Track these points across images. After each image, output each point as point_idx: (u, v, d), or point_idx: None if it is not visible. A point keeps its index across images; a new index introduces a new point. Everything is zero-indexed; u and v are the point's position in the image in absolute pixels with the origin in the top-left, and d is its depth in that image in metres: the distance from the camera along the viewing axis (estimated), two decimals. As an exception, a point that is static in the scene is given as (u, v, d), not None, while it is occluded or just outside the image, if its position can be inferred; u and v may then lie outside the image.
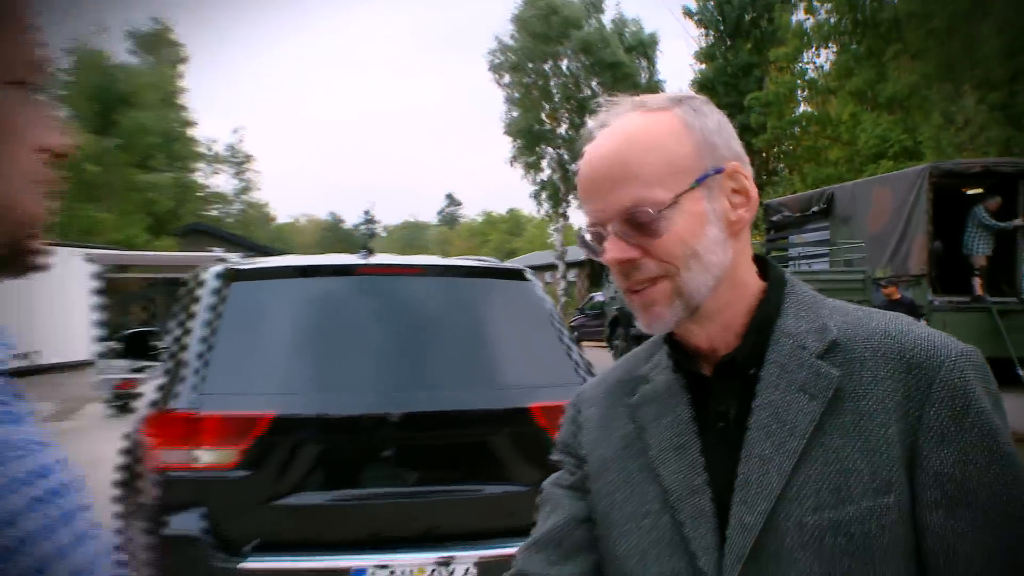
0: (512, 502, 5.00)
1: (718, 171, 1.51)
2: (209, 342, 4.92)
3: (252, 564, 4.69)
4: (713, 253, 1.50)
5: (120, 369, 18.66)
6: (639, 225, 1.47)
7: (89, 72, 56.62)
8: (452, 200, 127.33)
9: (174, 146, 63.61)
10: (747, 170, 1.54)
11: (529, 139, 57.95)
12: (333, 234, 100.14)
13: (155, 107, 61.30)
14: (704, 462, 1.52)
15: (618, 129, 1.52)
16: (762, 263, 1.61)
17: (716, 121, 1.54)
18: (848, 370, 1.44)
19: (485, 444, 5.11)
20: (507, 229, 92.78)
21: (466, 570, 4.82)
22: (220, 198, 75.34)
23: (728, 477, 1.48)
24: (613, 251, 1.50)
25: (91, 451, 14.61)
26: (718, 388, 1.55)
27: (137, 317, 22.38)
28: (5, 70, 1.13)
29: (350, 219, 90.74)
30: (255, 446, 4.73)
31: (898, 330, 1.47)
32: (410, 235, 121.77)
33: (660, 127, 1.50)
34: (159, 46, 65.85)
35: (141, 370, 18.21)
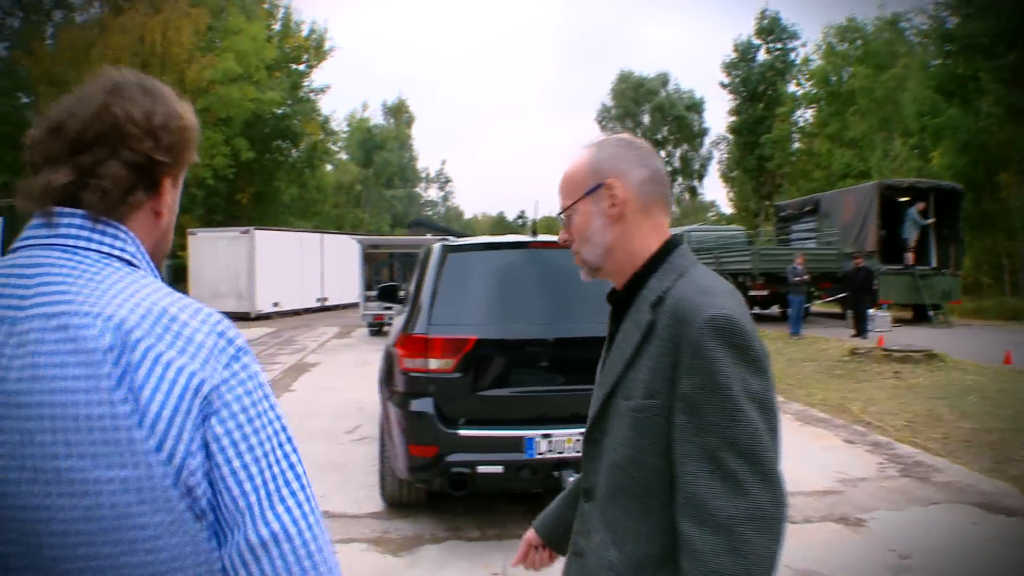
0: None
1: (599, 186, 1.51)
2: (435, 291, 4.86)
3: (464, 432, 4.66)
4: (599, 234, 1.52)
5: (375, 308, 18.92)
6: (564, 220, 1.58)
7: (357, 130, 57.68)
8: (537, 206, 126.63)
9: (405, 172, 64.69)
10: (622, 182, 1.51)
11: None
12: (500, 226, 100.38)
13: (395, 149, 62.37)
14: (603, 359, 1.56)
15: (571, 159, 1.59)
16: (669, 241, 1.53)
17: (609, 154, 1.54)
18: (658, 317, 1.40)
19: None
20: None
21: None
22: (431, 203, 76.13)
23: None
24: (560, 235, 1.61)
25: (361, 357, 14.82)
26: (612, 315, 1.56)
27: (384, 277, 22.63)
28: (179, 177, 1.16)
29: (510, 215, 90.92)
30: (465, 358, 4.68)
31: (683, 294, 1.39)
32: (548, 226, 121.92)
33: (579, 159, 1.56)
34: (399, 111, 66.77)
35: (388, 309, 18.54)
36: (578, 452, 4.63)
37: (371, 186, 58.74)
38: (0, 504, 0.93)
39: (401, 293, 7.75)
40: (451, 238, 5.88)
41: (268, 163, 39.38)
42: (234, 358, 1.02)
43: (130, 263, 1.08)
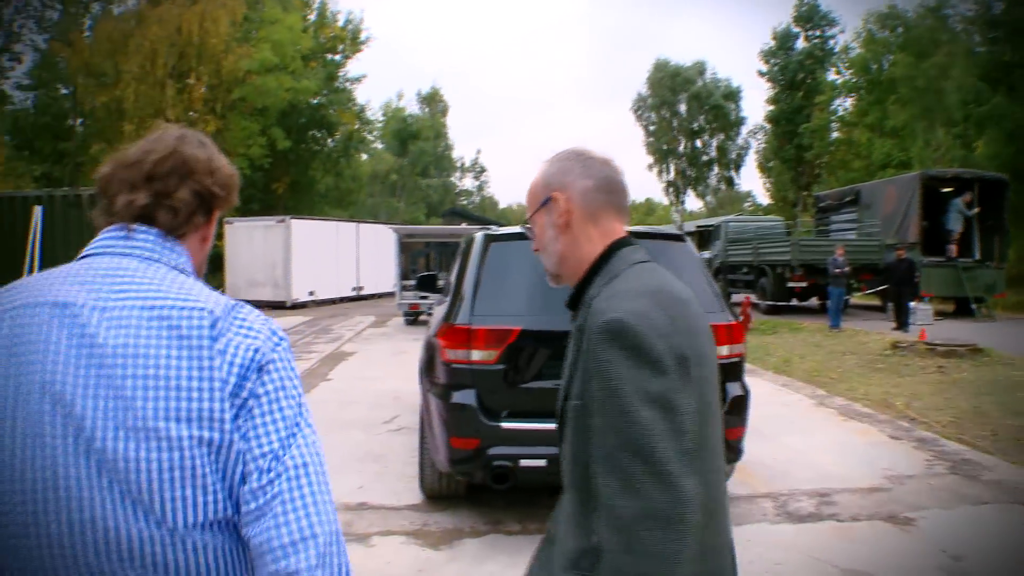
0: None
1: (548, 199, 1.62)
2: (478, 281, 4.81)
3: (506, 424, 4.61)
4: (552, 244, 1.63)
5: (410, 297, 18.95)
6: (527, 231, 1.71)
7: (392, 120, 57.86)
8: None
9: (440, 162, 64.77)
10: (566, 193, 1.61)
11: (660, 155, 58.48)
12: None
13: (430, 139, 62.44)
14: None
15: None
16: (611, 245, 1.60)
17: (557, 168, 1.65)
18: (584, 321, 1.48)
19: None
20: (643, 211, 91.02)
21: None
22: (466, 193, 76.18)
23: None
24: (533, 245, 1.71)
25: (397, 346, 14.84)
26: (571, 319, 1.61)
27: (420, 266, 22.65)
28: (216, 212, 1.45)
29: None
30: (508, 349, 4.63)
31: (598, 299, 1.48)
32: None
33: (538, 174, 1.67)
34: (433, 101, 66.80)
35: (424, 298, 18.56)
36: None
37: (406, 175, 58.91)
38: (101, 456, 1.16)
39: (440, 283, 7.71)
40: (493, 227, 5.81)
41: (304, 153, 39.67)
42: (278, 346, 1.31)
43: (183, 273, 1.36)
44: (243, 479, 1.23)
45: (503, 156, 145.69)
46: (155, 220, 1.36)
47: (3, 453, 1.18)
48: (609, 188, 1.63)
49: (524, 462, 4.54)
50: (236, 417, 1.23)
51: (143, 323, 1.22)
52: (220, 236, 27.35)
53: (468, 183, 76.27)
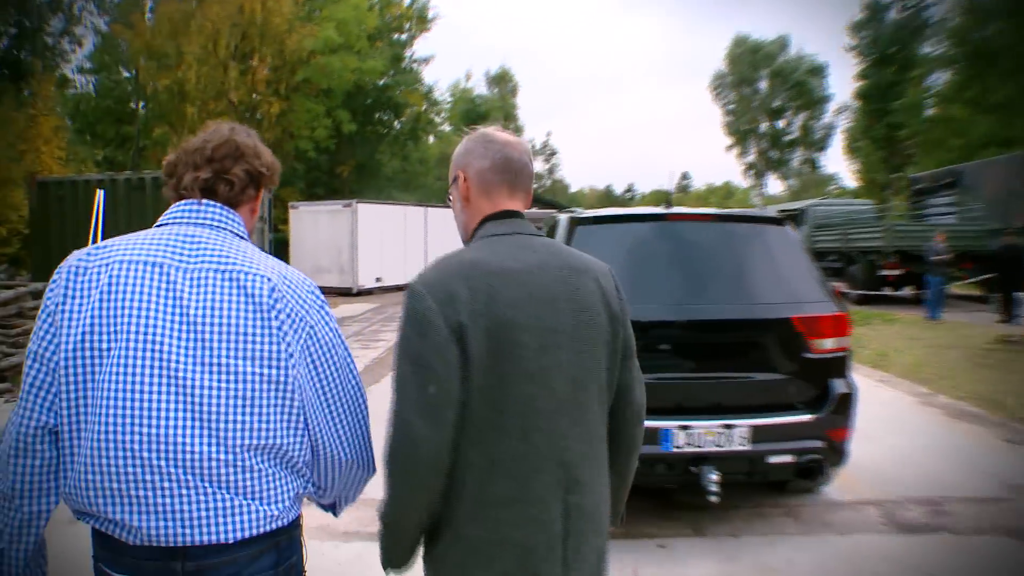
0: (774, 386, 4.57)
1: (455, 178, 1.95)
2: (562, 268, 4.65)
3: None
4: (459, 215, 1.96)
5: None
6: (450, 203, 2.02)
7: (461, 101, 58.01)
8: (685, 176, 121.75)
9: (509, 145, 64.81)
10: (466, 172, 1.92)
11: (740, 135, 57.30)
12: (606, 199, 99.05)
13: (499, 120, 62.29)
14: None
15: None
16: (482, 220, 1.90)
17: (464, 149, 1.95)
18: None
19: (755, 343, 4.62)
20: (721, 195, 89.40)
21: (742, 433, 4.44)
22: (537, 176, 75.89)
23: None
24: None
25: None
26: None
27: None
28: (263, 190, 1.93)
29: (618, 188, 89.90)
30: None
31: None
32: (657, 200, 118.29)
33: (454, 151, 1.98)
34: (502, 81, 66.84)
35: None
36: (719, 446, 4.39)
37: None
38: (181, 385, 1.62)
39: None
40: (578, 210, 5.66)
41: (370, 135, 40.03)
42: (323, 307, 1.80)
43: (242, 238, 1.84)
44: (300, 419, 1.72)
45: (574, 137, 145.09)
46: (216, 193, 1.83)
47: (97, 374, 1.62)
48: (504, 168, 1.91)
49: None
50: (295, 365, 1.70)
51: (218, 282, 1.69)
52: (285, 221, 27.79)
53: (538, 166, 76.26)
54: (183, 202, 1.82)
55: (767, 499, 5.41)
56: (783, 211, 28.04)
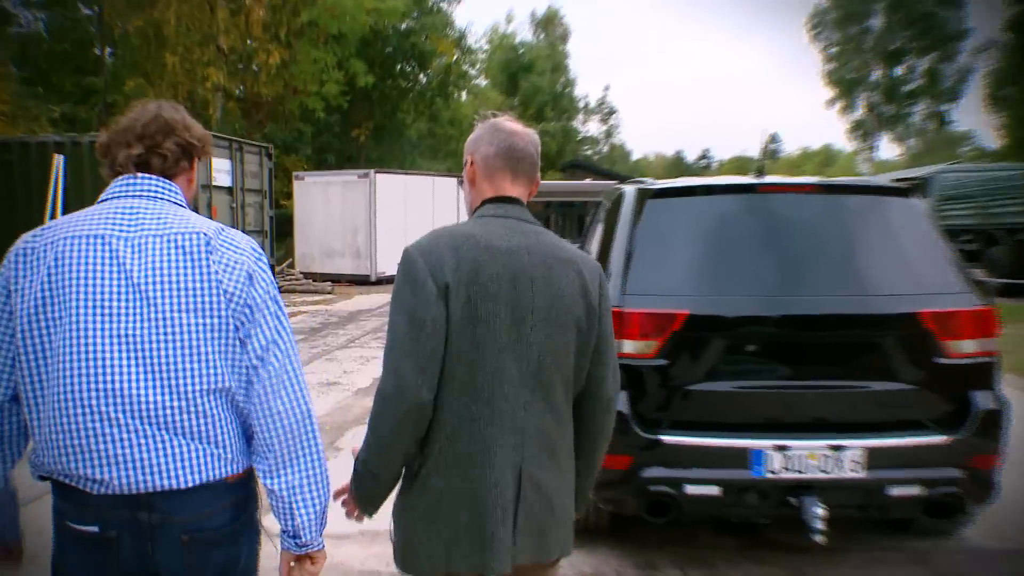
0: (898, 398, 4.47)
1: (466, 161, 2.60)
2: (630, 251, 4.68)
3: (668, 438, 4.46)
4: (467, 196, 2.63)
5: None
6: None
7: (500, 49, 58.06)
8: (773, 138, 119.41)
9: (560, 102, 64.67)
10: (474, 157, 2.56)
11: (844, 86, 56.31)
12: (675, 168, 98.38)
13: (547, 73, 62.43)
14: None
15: None
16: (483, 200, 2.55)
17: (476, 136, 2.59)
18: None
19: (871, 345, 4.52)
20: (819, 161, 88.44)
21: (854, 456, 4.35)
22: (591, 141, 75.94)
23: None
24: None
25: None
26: None
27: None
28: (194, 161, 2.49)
29: (690, 155, 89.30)
30: (671, 339, 4.47)
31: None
32: (738, 168, 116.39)
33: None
34: (550, 25, 66.79)
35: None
36: (825, 472, 4.32)
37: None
38: (131, 341, 2.14)
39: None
40: (648, 180, 5.59)
41: (390, 91, 40.19)
42: (260, 259, 2.32)
43: (180, 206, 2.37)
44: (243, 362, 2.25)
45: (636, 94, 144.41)
46: (150, 167, 2.36)
47: (52, 342, 2.14)
48: (507, 155, 2.53)
49: (691, 489, 4.40)
50: (236, 312, 2.22)
51: (157, 246, 2.21)
52: (288, 195, 28.02)
53: (593, 128, 76.13)
54: (120, 177, 2.36)
55: (887, 542, 5.32)
56: (900, 180, 27.51)
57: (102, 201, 2.31)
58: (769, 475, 4.36)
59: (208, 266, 2.20)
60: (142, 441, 2.13)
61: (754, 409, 4.50)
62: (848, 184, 5.00)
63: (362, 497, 2.49)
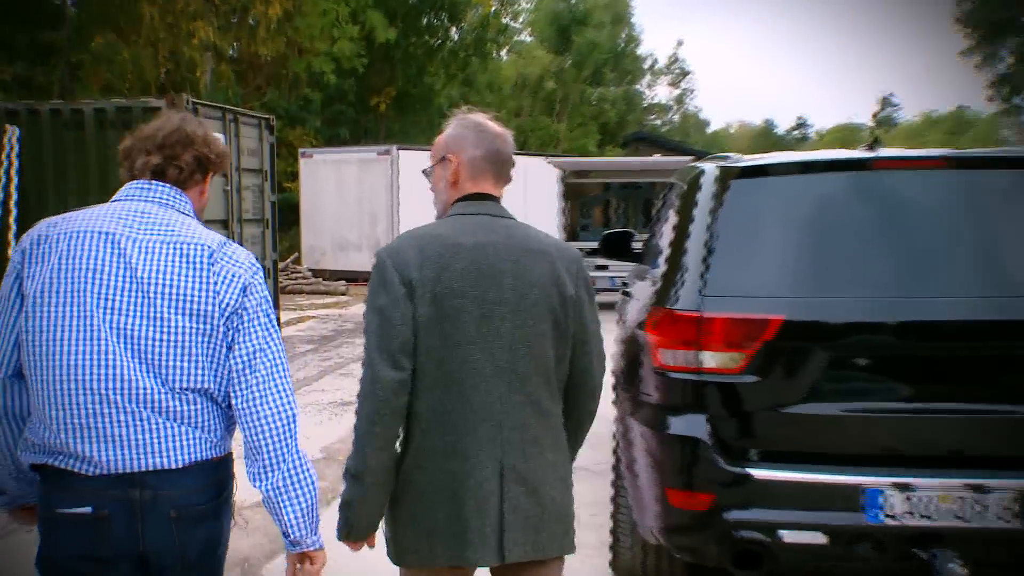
0: None
1: (444, 159, 3.17)
2: (711, 242, 4.63)
3: (759, 472, 4.41)
4: (442, 193, 3.21)
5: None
6: (426, 176, 3.32)
7: (547, -2, 58.15)
8: (888, 101, 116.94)
9: (622, 61, 64.54)
10: (458, 158, 3.13)
11: (985, 31, 54.98)
12: (764, 139, 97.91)
13: (605, 26, 62.36)
14: None
15: None
16: (456, 200, 3.16)
17: (457, 134, 3.18)
18: None
19: (1021, 358, 4.44)
20: (948, 129, 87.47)
21: (1003, 500, 4.25)
22: (659, 108, 75.77)
23: None
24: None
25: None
26: None
27: (596, 219, 22.62)
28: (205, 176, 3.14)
29: (782, 124, 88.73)
30: (763, 350, 4.41)
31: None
32: (843, 139, 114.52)
33: (442, 133, 3.24)
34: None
35: (601, 269, 18.48)
36: (963, 519, 4.25)
37: (570, 82, 59.11)
38: (130, 335, 2.76)
39: (637, 245, 7.57)
40: (731, 156, 5.56)
41: (416, 49, 40.37)
42: (256, 273, 2.93)
43: (188, 216, 3.00)
44: (230, 367, 2.85)
45: (715, 51, 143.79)
46: (165, 176, 2.98)
47: (58, 327, 2.74)
48: (495, 159, 3.14)
49: (789, 536, 4.34)
50: (227, 320, 2.83)
51: (163, 251, 2.82)
52: (294, 176, 28.16)
53: (662, 93, 75.98)
54: (135, 181, 2.99)
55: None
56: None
57: (115, 201, 2.98)
58: (888, 521, 4.28)
59: (208, 277, 2.83)
60: (138, 423, 2.76)
61: (867, 438, 4.45)
62: (988, 157, 4.95)
63: (348, 511, 3.06)
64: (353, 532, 3.06)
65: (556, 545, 3.07)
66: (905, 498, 4.26)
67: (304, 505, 2.95)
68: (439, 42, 42.18)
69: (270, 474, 2.91)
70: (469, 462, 2.93)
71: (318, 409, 10.50)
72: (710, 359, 4.44)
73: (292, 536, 2.96)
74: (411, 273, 2.90)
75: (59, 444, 2.77)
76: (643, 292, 5.46)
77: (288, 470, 2.92)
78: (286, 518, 2.92)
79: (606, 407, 5.92)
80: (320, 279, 24.81)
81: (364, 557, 3.31)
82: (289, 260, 26.14)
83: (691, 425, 4.48)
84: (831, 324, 4.45)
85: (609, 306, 8.52)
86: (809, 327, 4.45)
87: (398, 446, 3.01)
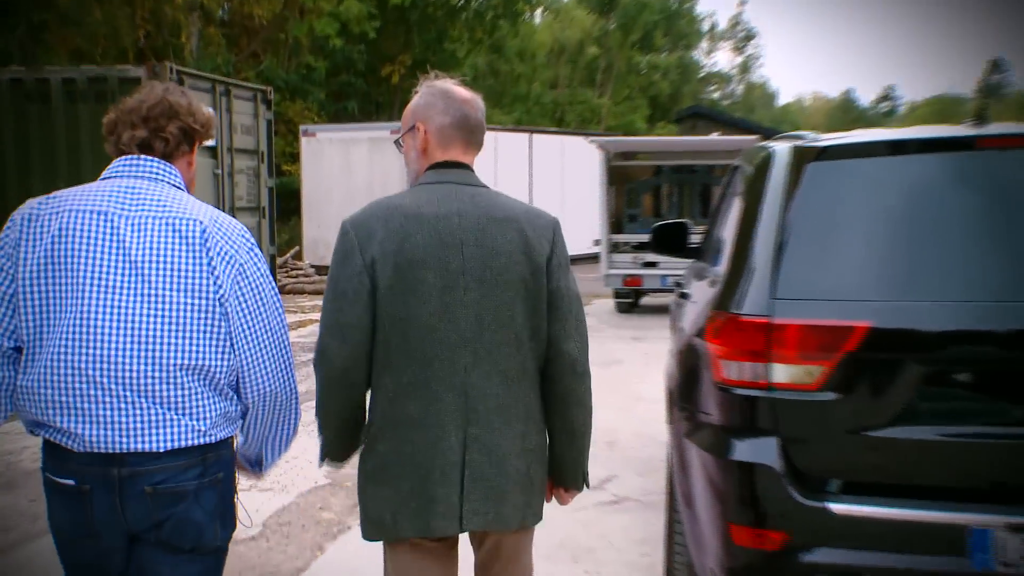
0: None
1: (412, 127, 3.66)
2: (783, 236, 4.58)
3: (840, 507, 4.34)
4: (412, 163, 3.72)
5: (628, 264, 18.98)
6: (397, 146, 3.85)
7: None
8: (997, 66, 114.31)
9: (676, 24, 64.42)
10: (427, 126, 3.61)
11: None
12: (844, 114, 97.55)
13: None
14: None
15: None
16: (427, 169, 3.66)
17: (425, 102, 3.66)
18: None
19: None
20: (1020, 102, 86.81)
21: None
22: (720, 78, 75.73)
23: None
24: None
25: (608, 351, 14.82)
26: None
27: (646, 207, 22.57)
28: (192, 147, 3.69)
29: (865, 96, 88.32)
30: (845, 363, 4.34)
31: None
32: (941, 112, 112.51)
33: (411, 103, 3.75)
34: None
35: (651, 266, 18.47)
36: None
37: (615, 48, 59.08)
38: (123, 314, 3.22)
39: (694, 239, 7.54)
40: (808, 135, 5.51)
41: (435, 10, 40.43)
42: (251, 249, 3.48)
43: (179, 188, 3.54)
44: (230, 340, 3.34)
45: (785, 11, 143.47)
46: (152, 148, 3.44)
47: (50, 305, 3.19)
48: (463, 125, 3.60)
49: None
50: (222, 296, 3.28)
51: (156, 227, 3.27)
52: (294, 158, 28.29)
53: (723, 60, 75.76)
54: (123, 157, 3.45)
55: None
56: None
57: (104, 178, 3.43)
58: (1001, 568, 4.20)
59: (202, 252, 3.28)
60: (122, 406, 3.19)
61: (972, 468, 4.37)
62: None
63: (324, 448, 3.77)
64: (329, 457, 3.79)
65: (519, 515, 3.54)
66: (1020, 541, 4.19)
67: (278, 457, 3.79)
68: (462, 1, 42.21)
69: (264, 438, 3.69)
70: (433, 431, 3.40)
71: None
72: (782, 373, 4.39)
73: (260, 469, 3.83)
74: (373, 245, 3.36)
75: (47, 419, 3.23)
76: (702, 294, 5.45)
77: (279, 435, 3.71)
78: (265, 461, 3.78)
79: (659, 427, 5.88)
80: (324, 277, 24.86)
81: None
82: (289, 255, 26.31)
83: (759, 450, 4.43)
84: (926, 333, 4.39)
85: (661, 309, 8.46)
86: (900, 336, 4.40)
87: (366, 417, 3.64)
